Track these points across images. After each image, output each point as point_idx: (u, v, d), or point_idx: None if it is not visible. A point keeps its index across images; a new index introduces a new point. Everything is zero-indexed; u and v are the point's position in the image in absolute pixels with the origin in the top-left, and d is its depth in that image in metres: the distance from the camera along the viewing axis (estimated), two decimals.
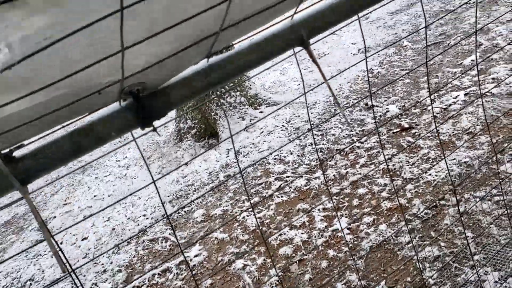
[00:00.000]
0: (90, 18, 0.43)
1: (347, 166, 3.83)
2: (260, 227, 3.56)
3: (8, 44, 0.38)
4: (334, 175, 3.78)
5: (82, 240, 4.75)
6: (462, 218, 2.77)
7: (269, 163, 4.49)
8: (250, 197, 4.08)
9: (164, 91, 0.70)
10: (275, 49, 0.77)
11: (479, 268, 2.35)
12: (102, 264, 4.08)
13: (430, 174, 3.28)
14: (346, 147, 4.07)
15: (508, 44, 4.52)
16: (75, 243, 4.80)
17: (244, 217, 3.79)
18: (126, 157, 6.54)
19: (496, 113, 3.63)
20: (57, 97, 0.54)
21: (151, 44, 0.57)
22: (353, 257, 2.82)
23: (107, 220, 4.84)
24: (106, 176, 6.16)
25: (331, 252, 2.98)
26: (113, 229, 4.62)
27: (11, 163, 0.59)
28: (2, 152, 0.58)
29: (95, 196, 5.72)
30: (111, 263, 4.02)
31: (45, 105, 0.55)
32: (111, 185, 5.79)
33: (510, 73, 4.06)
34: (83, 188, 6.08)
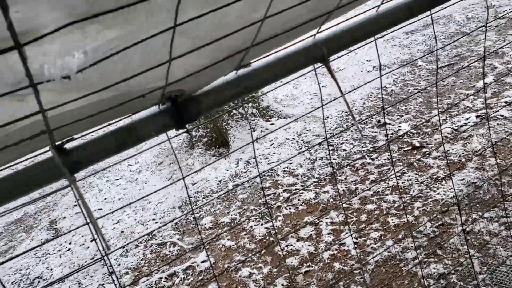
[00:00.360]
0: (148, 33, 0.50)
1: (357, 181, 3.88)
2: (275, 232, 3.61)
3: (84, 51, 0.45)
4: (343, 190, 3.83)
5: (91, 241, 4.82)
6: (468, 237, 2.80)
7: (278, 175, 4.55)
8: (258, 207, 4.14)
9: (198, 98, 0.77)
10: (297, 64, 0.85)
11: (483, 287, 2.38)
12: (110, 265, 4.15)
13: (438, 193, 3.32)
14: (355, 160, 4.12)
15: None
16: (83, 244, 4.87)
17: (251, 226, 3.85)
18: (137, 162, 6.63)
19: (507, 136, 3.66)
20: (108, 98, 0.61)
21: (191, 57, 0.64)
22: (362, 267, 2.86)
23: (116, 223, 4.91)
24: (117, 179, 6.25)
25: (337, 265, 3.02)
26: (122, 232, 4.70)
27: (62, 154, 0.67)
28: (56, 144, 0.65)
29: (105, 199, 5.81)
30: (119, 265, 4.09)
31: (97, 105, 0.62)
32: (121, 188, 5.88)
33: None
34: (94, 190, 6.17)
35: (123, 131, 0.72)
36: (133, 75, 0.56)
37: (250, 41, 0.71)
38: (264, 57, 0.85)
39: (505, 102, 4.13)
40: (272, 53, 0.87)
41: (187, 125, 0.76)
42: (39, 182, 0.67)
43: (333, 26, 0.89)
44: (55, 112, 0.56)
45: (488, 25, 6.00)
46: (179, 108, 0.74)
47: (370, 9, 0.87)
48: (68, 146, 0.69)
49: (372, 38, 1.00)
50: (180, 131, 0.75)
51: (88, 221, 0.72)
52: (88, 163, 0.70)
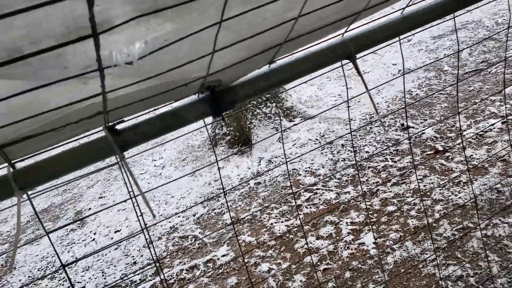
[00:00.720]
0: (197, 27, 0.58)
1: (378, 183, 3.91)
2: (303, 222, 3.67)
3: (145, 41, 0.53)
4: (365, 191, 3.86)
5: (115, 232, 4.97)
6: (488, 241, 2.81)
7: (300, 175, 4.61)
8: (279, 205, 4.20)
9: (234, 89, 0.85)
10: (326, 60, 0.91)
11: None
12: (133, 256, 4.27)
13: (460, 197, 3.32)
14: (372, 156, 4.13)
15: None
16: (107, 235, 5.02)
17: (272, 224, 3.91)
18: (162, 157, 6.77)
19: None
20: (156, 85, 0.69)
21: (230, 50, 0.71)
22: (381, 261, 2.90)
23: (140, 215, 5.04)
24: (141, 174, 6.39)
25: (355, 264, 3.06)
26: (145, 224, 4.82)
27: (114, 134, 0.75)
28: (108, 124, 0.73)
29: (129, 192, 5.95)
30: (141, 256, 4.21)
31: (146, 91, 0.70)
32: (146, 182, 6.02)
33: None
34: (118, 183, 6.33)
35: (167, 116, 0.80)
36: (180, 65, 0.63)
37: (283, 38, 0.78)
38: (295, 52, 0.92)
39: None
40: (303, 49, 0.93)
41: (222, 113, 0.83)
42: (92, 158, 0.75)
43: (361, 25, 0.95)
44: (112, 95, 0.64)
45: None
46: (217, 97, 0.81)
47: (396, 10, 0.93)
48: (119, 127, 0.77)
49: (397, 39, 1.06)
50: (217, 118, 0.83)
51: (132, 196, 0.80)
52: (136, 142, 0.78)
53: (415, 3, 0.96)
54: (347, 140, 4.89)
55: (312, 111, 6.04)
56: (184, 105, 0.81)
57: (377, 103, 5.37)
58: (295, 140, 5.47)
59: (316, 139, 5.24)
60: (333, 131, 5.21)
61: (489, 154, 3.71)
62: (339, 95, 6.26)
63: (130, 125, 0.78)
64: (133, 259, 4.25)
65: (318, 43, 0.93)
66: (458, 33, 6.79)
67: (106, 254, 4.54)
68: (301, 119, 5.92)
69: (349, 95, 6.12)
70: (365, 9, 0.81)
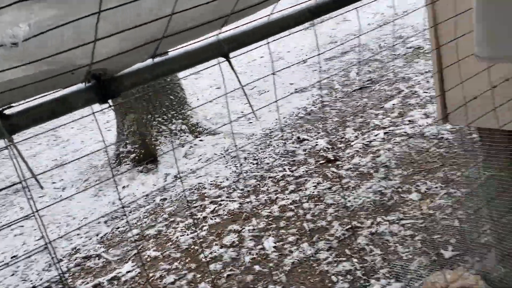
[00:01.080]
0: (79, 15, 0.67)
1: (277, 191, 4.14)
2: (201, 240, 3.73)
3: (29, 24, 0.61)
4: (265, 200, 4.07)
5: (12, 258, 4.67)
6: (373, 238, 3.12)
7: (205, 188, 4.71)
8: (184, 218, 4.25)
9: (119, 79, 0.94)
10: (203, 57, 1.05)
11: (382, 280, 2.68)
12: (31, 280, 4.05)
13: (349, 201, 3.65)
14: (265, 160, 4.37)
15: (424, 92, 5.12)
16: (3, 261, 4.70)
17: (177, 237, 3.95)
18: (62, 179, 6.49)
19: (409, 150, 4.12)
20: (43, 71, 0.76)
21: (112, 41, 0.81)
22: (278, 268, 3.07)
23: (39, 239, 4.79)
24: (40, 197, 6.06)
25: (257, 268, 3.21)
26: (45, 247, 4.59)
27: (3, 118, 0.80)
28: None
29: (27, 215, 5.62)
30: (41, 279, 4.01)
31: (34, 77, 0.77)
32: (45, 205, 5.72)
33: (423, 117, 4.61)
34: (15, 208, 5.94)
35: (54, 102, 0.87)
36: (64, 50, 0.72)
37: (162, 33, 0.90)
38: (180, 48, 1.04)
39: (409, 120, 4.63)
40: (186, 45, 1.06)
41: (109, 101, 0.92)
42: None
43: (237, 27, 1.10)
44: None
45: (397, 53, 6.64)
46: (103, 85, 0.90)
47: (264, 16, 1.10)
48: (7, 112, 0.82)
49: (265, 41, 1.22)
50: (104, 105, 0.92)
51: (22, 179, 0.85)
52: (25, 126, 0.84)
53: (276, 12, 1.13)
54: (249, 153, 5.10)
55: (217, 127, 6.20)
56: (72, 92, 0.89)
57: (276, 119, 5.69)
58: (201, 155, 5.58)
59: (221, 153, 5.39)
60: (236, 145, 5.40)
61: (373, 161, 4.12)
62: (242, 112, 6.50)
63: (19, 110, 0.84)
64: (32, 283, 4.03)
65: (201, 40, 1.07)
66: (348, 55, 7.42)
67: (1, 281, 4.24)
68: (207, 135, 6.05)
69: (250, 109, 6.38)
70: (233, 13, 0.96)
